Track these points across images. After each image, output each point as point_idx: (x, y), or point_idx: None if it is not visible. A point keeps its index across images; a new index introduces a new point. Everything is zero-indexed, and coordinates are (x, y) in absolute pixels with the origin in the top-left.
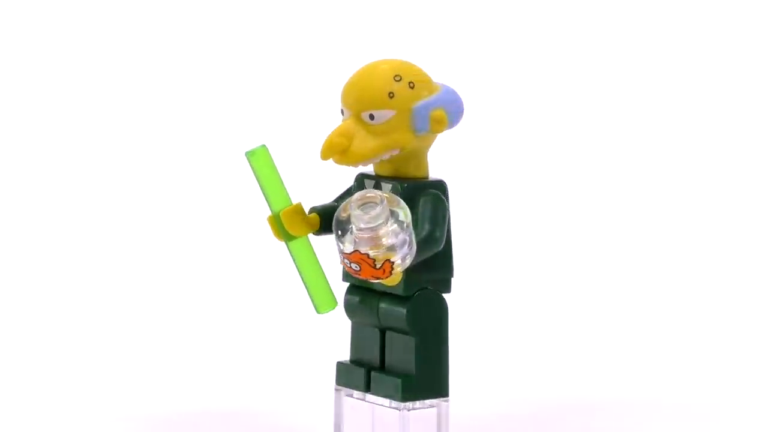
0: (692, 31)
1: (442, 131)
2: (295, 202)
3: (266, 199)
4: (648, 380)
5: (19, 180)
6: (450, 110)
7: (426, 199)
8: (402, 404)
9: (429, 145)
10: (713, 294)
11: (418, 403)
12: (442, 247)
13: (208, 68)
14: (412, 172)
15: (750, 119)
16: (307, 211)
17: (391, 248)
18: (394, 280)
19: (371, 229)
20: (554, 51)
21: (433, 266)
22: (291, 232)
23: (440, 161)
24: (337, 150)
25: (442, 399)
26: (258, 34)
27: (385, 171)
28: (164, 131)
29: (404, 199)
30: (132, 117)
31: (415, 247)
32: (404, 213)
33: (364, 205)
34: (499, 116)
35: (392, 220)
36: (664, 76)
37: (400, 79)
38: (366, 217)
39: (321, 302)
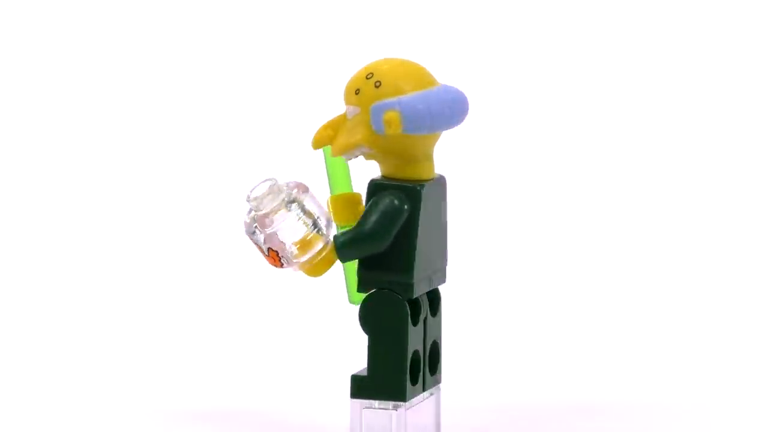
0: (692, 31)
1: (395, 133)
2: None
3: (329, 184)
4: (642, 382)
5: (20, 180)
6: (407, 114)
7: (377, 198)
8: (351, 400)
9: (421, 148)
10: (711, 294)
11: (377, 403)
12: (380, 243)
13: (223, 68)
14: (406, 173)
15: (750, 119)
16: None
17: (274, 234)
18: (315, 270)
19: (264, 214)
20: (555, 51)
21: (390, 268)
22: (334, 217)
23: (443, 160)
24: (324, 141)
25: (395, 402)
26: (279, 34)
27: (383, 171)
28: (174, 133)
29: (367, 196)
30: (140, 117)
31: (326, 241)
32: (299, 200)
33: (266, 194)
34: (498, 117)
35: (286, 208)
36: (663, 77)
37: (371, 77)
38: (254, 203)
39: (355, 292)
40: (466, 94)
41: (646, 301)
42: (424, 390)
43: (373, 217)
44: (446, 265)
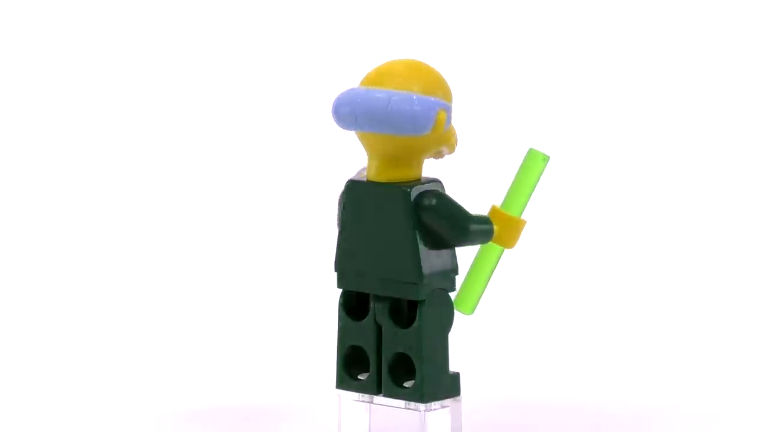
0: (693, 32)
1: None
2: (524, 218)
3: (506, 195)
4: (644, 384)
5: (20, 180)
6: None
7: None
8: None
9: (368, 147)
10: (722, 299)
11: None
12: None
13: (232, 70)
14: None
15: (750, 119)
16: None
17: None
18: None
19: None
20: (556, 52)
21: None
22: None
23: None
24: None
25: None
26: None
27: None
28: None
29: None
30: (146, 118)
31: None
32: None
33: None
34: (498, 116)
35: None
36: (665, 78)
37: None
38: None
39: (462, 301)
40: (343, 99)
41: (645, 304)
42: (381, 393)
43: None
44: (415, 280)
